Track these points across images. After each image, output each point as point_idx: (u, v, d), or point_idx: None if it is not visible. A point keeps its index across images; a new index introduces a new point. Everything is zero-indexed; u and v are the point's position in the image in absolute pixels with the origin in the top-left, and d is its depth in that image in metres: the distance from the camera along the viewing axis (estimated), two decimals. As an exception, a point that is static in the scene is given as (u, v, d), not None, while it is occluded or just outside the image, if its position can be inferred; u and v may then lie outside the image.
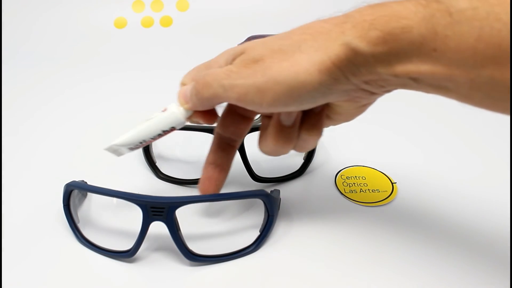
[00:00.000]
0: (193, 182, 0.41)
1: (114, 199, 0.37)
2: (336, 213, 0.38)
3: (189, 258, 0.33)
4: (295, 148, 0.31)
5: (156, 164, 0.43)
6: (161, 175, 0.42)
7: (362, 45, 0.23)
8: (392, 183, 0.41)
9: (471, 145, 0.47)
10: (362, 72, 0.24)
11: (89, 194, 0.40)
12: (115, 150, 0.34)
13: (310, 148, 0.31)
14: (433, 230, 0.36)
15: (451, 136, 0.49)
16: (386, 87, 0.25)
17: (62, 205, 0.35)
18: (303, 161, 0.43)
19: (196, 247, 0.33)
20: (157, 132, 0.31)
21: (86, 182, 0.38)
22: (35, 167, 0.44)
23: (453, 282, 0.32)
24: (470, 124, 0.51)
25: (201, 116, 0.31)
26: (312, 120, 0.29)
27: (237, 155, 0.40)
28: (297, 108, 0.26)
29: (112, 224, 0.37)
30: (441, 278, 0.32)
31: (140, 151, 0.43)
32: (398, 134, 0.49)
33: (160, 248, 0.34)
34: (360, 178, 0.42)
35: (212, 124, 0.32)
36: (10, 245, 0.35)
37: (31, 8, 0.77)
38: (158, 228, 0.32)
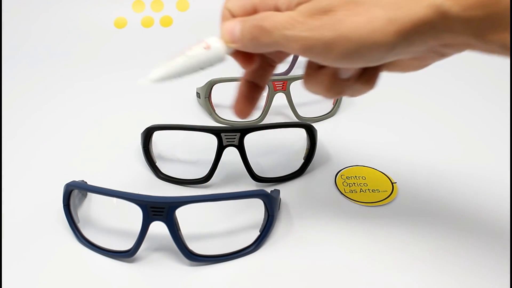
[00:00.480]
0: (193, 182, 0.41)
1: (114, 199, 0.37)
2: (336, 213, 0.38)
3: (189, 258, 0.33)
4: (343, 95, 0.29)
5: (156, 164, 0.43)
6: (161, 175, 0.42)
7: (455, 8, 0.20)
8: (392, 183, 0.41)
9: (471, 145, 0.47)
10: (444, 37, 0.22)
11: (89, 194, 0.40)
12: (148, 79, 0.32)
13: (358, 95, 0.29)
14: (433, 230, 0.36)
15: (451, 136, 0.49)
16: (465, 50, 0.23)
17: (62, 205, 0.35)
18: (303, 161, 0.43)
19: (196, 247, 0.33)
20: (195, 69, 0.30)
21: (86, 182, 0.38)
22: (35, 167, 0.44)
23: (453, 282, 0.32)
24: (470, 124, 0.51)
25: (241, 59, 0.29)
26: (370, 73, 0.27)
27: (237, 155, 0.40)
28: (362, 65, 0.24)
29: (112, 224, 0.37)
30: (441, 278, 0.32)
31: (140, 152, 0.43)
32: (398, 134, 0.49)
33: (160, 248, 0.34)
34: (360, 178, 0.42)
35: (247, 69, 0.31)
36: (10, 245, 0.35)
37: (31, 8, 0.77)
38: (158, 228, 0.32)
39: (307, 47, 0.23)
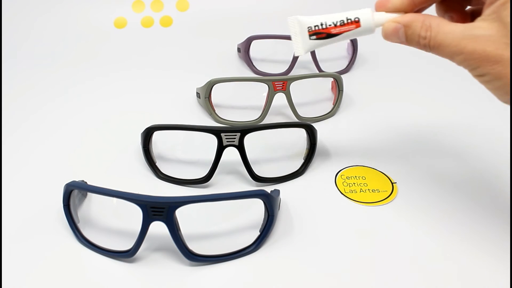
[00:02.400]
0: (193, 182, 0.41)
1: (114, 199, 0.37)
2: (336, 213, 0.38)
3: (189, 258, 0.33)
4: None
5: (156, 164, 0.43)
6: (161, 175, 0.42)
7: None
8: (392, 183, 0.41)
9: (472, 145, 0.47)
10: None
11: (89, 194, 0.40)
12: (298, 32, 0.34)
13: None
14: (433, 230, 0.36)
15: (451, 136, 0.49)
16: None
17: (62, 205, 0.35)
18: (303, 161, 0.43)
19: (196, 247, 0.33)
20: (341, 18, 0.31)
21: (86, 182, 0.38)
22: (35, 167, 0.44)
23: (454, 282, 0.32)
24: (470, 123, 0.51)
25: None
26: None
27: (237, 155, 0.40)
28: None
29: (112, 224, 0.37)
30: (441, 278, 0.32)
31: (140, 152, 0.43)
32: (398, 134, 0.49)
33: (160, 248, 0.34)
34: (360, 178, 0.42)
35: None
36: (10, 245, 0.35)
37: (30, 8, 0.77)
38: (158, 228, 0.32)
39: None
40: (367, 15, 0.31)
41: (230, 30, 0.76)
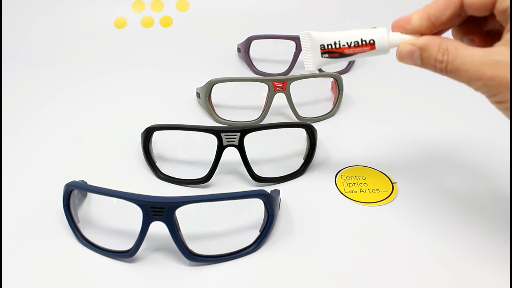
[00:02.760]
0: (193, 182, 0.41)
1: (114, 199, 0.37)
2: (336, 213, 0.38)
3: (189, 258, 0.33)
4: None
5: (156, 164, 0.43)
6: (161, 175, 0.42)
7: None
8: (392, 183, 0.41)
9: (472, 145, 0.47)
10: None
11: (89, 194, 0.40)
12: (309, 47, 0.33)
13: None
14: (433, 230, 0.36)
15: (452, 136, 0.49)
16: None
17: (62, 205, 0.35)
18: (303, 161, 0.43)
19: (196, 247, 0.33)
20: (355, 38, 0.30)
21: (86, 182, 0.38)
22: (35, 167, 0.44)
23: (454, 282, 0.32)
24: (471, 123, 0.51)
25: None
26: None
27: (237, 155, 0.40)
28: None
29: (112, 224, 0.37)
30: (441, 278, 0.32)
31: (140, 152, 0.43)
32: (398, 134, 0.49)
33: (160, 248, 0.34)
34: (360, 178, 0.42)
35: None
36: (10, 245, 0.35)
37: (30, 7, 0.77)
38: (158, 228, 0.32)
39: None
40: (383, 36, 0.30)
41: (230, 30, 0.76)
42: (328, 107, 0.53)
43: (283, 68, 0.62)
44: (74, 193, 0.35)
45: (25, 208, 0.39)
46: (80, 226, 0.35)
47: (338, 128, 0.51)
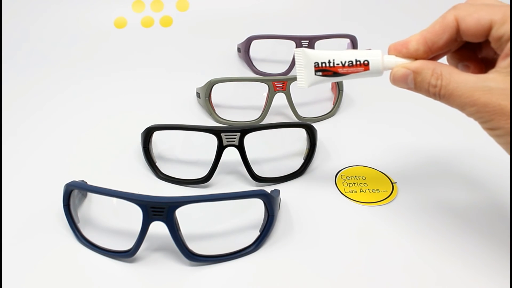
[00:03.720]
0: (193, 182, 0.41)
1: (114, 199, 0.37)
2: (336, 213, 0.38)
3: (189, 258, 0.33)
4: None
5: (156, 164, 0.43)
6: (161, 175, 0.42)
7: None
8: (392, 183, 0.41)
9: (472, 145, 0.47)
10: None
11: (89, 194, 0.40)
12: (303, 64, 0.33)
13: None
14: (433, 230, 0.36)
15: (452, 135, 0.49)
16: None
17: (62, 205, 0.35)
18: (303, 161, 0.43)
19: (196, 247, 0.33)
20: (350, 58, 0.30)
21: (86, 182, 0.38)
22: (35, 167, 0.44)
23: (454, 282, 0.32)
24: (471, 124, 0.51)
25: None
26: None
27: (237, 155, 0.40)
28: None
29: (112, 224, 0.37)
30: (441, 278, 0.32)
31: (140, 152, 0.43)
32: (398, 134, 0.49)
33: (160, 248, 0.34)
34: (360, 178, 0.42)
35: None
36: (10, 245, 0.35)
37: (30, 7, 0.77)
38: (158, 228, 0.32)
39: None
40: (377, 58, 0.30)
41: (230, 30, 0.76)
42: (328, 107, 0.53)
43: (283, 68, 0.62)
44: (74, 193, 0.35)
45: (25, 208, 0.39)
46: (80, 226, 0.35)
47: (338, 128, 0.51)
